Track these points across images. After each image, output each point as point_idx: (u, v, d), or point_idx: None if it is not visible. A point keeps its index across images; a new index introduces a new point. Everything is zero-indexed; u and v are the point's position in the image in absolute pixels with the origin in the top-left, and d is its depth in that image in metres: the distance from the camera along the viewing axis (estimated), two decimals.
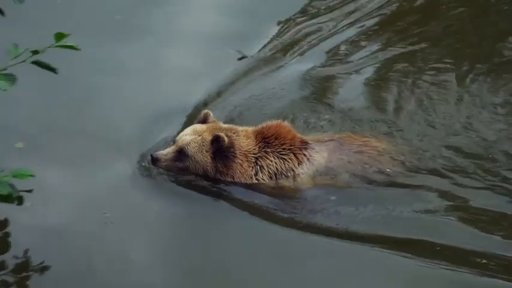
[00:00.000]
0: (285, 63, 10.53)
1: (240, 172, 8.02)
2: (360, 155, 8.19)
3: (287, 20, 11.47)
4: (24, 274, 6.68)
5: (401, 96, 9.65)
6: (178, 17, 11.20)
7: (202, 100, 9.45)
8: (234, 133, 8.09)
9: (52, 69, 5.55)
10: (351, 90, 9.81)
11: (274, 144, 8.11)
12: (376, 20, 11.49)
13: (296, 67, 10.36)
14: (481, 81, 9.81)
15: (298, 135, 8.25)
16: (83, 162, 8.29)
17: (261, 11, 11.50)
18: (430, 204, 7.86)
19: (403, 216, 7.71)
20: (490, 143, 8.70)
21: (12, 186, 5.55)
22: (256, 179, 8.05)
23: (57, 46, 5.50)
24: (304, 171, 8.09)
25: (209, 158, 7.99)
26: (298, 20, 11.49)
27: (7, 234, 7.05)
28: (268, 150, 8.10)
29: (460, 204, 7.90)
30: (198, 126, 8.14)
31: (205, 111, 8.33)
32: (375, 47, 10.82)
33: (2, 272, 6.68)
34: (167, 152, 8.04)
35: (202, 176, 8.08)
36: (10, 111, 8.74)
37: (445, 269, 7.08)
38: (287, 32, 11.21)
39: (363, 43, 10.92)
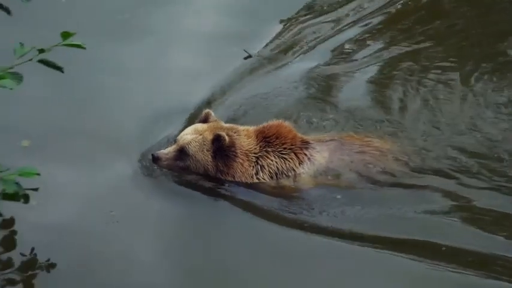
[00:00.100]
0: (289, 62, 10.65)
1: (241, 171, 8.15)
2: (361, 155, 8.30)
3: (290, 19, 11.61)
4: (30, 272, 6.84)
5: (405, 96, 9.75)
6: (179, 17, 11.35)
7: (205, 99, 9.60)
8: (235, 132, 8.22)
9: (58, 68, 5.68)
10: (355, 89, 9.91)
11: (275, 143, 8.22)
12: (380, 18, 11.62)
13: (300, 66, 10.47)
14: (486, 80, 9.90)
15: (299, 134, 8.37)
16: (87, 161, 8.43)
17: (263, 10, 11.64)
18: (434, 205, 7.94)
19: (406, 216, 7.80)
20: (495, 142, 8.77)
21: (18, 184, 5.63)
22: (257, 179, 8.17)
23: (63, 45, 5.60)
24: (305, 171, 8.21)
25: (210, 157, 8.11)
26: (302, 18, 11.63)
27: (13, 233, 7.21)
28: (269, 149, 8.21)
29: (465, 204, 7.98)
30: (199, 126, 8.28)
31: (207, 110, 8.47)
32: (380, 45, 10.94)
33: (9, 270, 6.85)
34: (168, 151, 8.18)
35: (203, 176, 8.21)
36: (14, 110, 8.87)
37: (451, 271, 7.16)
38: (290, 30, 11.34)
39: (367, 42, 11.04)
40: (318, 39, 11.14)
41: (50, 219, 7.49)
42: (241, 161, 8.14)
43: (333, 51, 10.85)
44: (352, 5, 11.91)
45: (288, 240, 7.53)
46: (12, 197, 5.71)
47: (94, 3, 11.27)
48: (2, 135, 8.48)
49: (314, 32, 11.31)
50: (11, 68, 5.53)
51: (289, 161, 8.21)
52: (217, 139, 8.05)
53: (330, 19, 11.64)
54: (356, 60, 10.63)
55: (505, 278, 7.10)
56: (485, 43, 10.80)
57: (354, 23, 11.51)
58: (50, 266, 6.87)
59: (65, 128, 8.91)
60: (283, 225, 7.69)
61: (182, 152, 8.13)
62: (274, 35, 11.18)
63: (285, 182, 8.20)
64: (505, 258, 7.30)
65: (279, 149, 8.22)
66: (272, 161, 8.19)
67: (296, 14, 11.71)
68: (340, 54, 10.79)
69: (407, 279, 7.16)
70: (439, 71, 10.15)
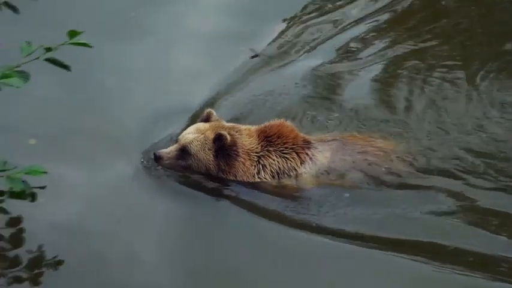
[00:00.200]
0: (293, 61, 10.73)
1: (243, 171, 8.24)
2: (363, 155, 8.38)
3: (294, 18, 11.67)
4: (36, 271, 6.96)
5: (410, 95, 9.80)
6: (181, 17, 11.38)
7: (209, 98, 9.69)
8: (236, 132, 8.32)
9: (65, 67, 5.76)
10: (359, 88, 9.96)
11: (276, 143, 8.32)
12: (385, 17, 11.67)
13: (305, 64, 10.54)
14: (492, 79, 9.95)
15: (301, 134, 8.47)
16: (91, 160, 8.53)
17: (266, 9, 11.70)
18: (438, 205, 8.00)
19: (409, 217, 7.87)
20: (501, 142, 8.83)
21: (25, 183, 5.71)
22: (259, 178, 8.26)
23: (70, 43, 5.68)
24: (306, 171, 8.30)
25: (211, 156, 8.21)
26: (305, 17, 11.70)
27: (20, 231, 7.32)
28: (271, 149, 8.30)
29: (470, 205, 8.03)
30: (201, 125, 8.39)
31: (208, 110, 8.57)
32: (384, 44, 10.99)
33: (16, 268, 6.97)
34: (170, 150, 8.28)
35: (205, 175, 8.30)
36: (19, 109, 8.97)
37: (456, 272, 7.21)
38: (294, 29, 11.40)
39: (372, 40, 11.08)
40: (322, 38, 11.22)
41: (55, 217, 7.60)
42: (243, 160, 8.23)
43: (337, 49, 10.92)
44: (356, 4, 11.97)
45: (290, 240, 7.59)
46: (19, 195, 5.77)
47: (97, 3, 11.32)
48: (8, 135, 8.59)
49: (318, 31, 11.37)
50: (18, 66, 5.58)
51: (290, 161, 8.29)
52: (218, 138, 8.15)
53: (334, 18, 11.71)
54: (361, 58, 10.69)
55: (510, 280, 7.16)
56: (491, 42, 10.86)
57: (359, 21, 11.57)
58: (57, 264, 6.99)
59: (68, 127, 9.00)
60: (284, 225, 7.77)
61: (184, 151, 8.23)
62: (278, 34, 11.24)
63: (287, 181, 8.28)
64: (510, 259, 7.36)
65: (281, 149, 8.30)
66: (274, 160, 8.28)
67: (300, 12, 11.78)
68: (345, 53, 10.86)
69: (409, 280, 7.21)
70: (444, 70, 10.21)
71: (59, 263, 6.99)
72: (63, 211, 7.72)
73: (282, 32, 11.30)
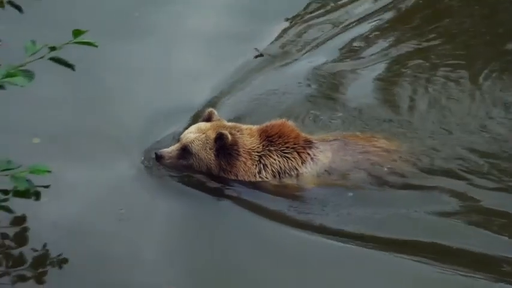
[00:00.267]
0: (296, 60, 10.79)
1: (244, 170, 8.29)
2: (365, 155, 8.43)
3: (296, 17, 11.73)
4: (40, 269, 7.02)
5: (413, 94, 9.84)
6: (183, 16, 11.43)
7: (212, 98, 9.76)
8: (237, 131, 8.37)
9: (70, 66, 5.75)
10: (363, 87, 10.02)
11: (277, 142, 8.36)
12: (388, 16, 11.74)
13: (308, 63, 10.59)
14: (495, 79, 9.99)
15: (303, 134, 8.52)
16: (93, 159, 8.58)
17: (269, 8, 11.78)
18: (440, 206, 8.02)
19: (412, 217, 7.89)
20: (505, 142, 8.85)
21: (29, 181, 5.73)
22: (260, 177, 8.31)
23: (75, 43, 5.71)
24: (307, 171, 8.34)
25: (213, 155, 8.27)
26: (307, 16, 11.76)
27: (25, 229, 7.40)
28: (272, 148, 8.35)
29: (473, 205, 8.05)
30: (202, 125, 8.45)
31: (210, 109, 8.64)
32: (387, 43, 11.06)
33: (21, 267, 7.04)
34: (171, 149, 8.35)
35: (206, 174, 8.35)
36: (22, 108, 9.05)
37: (461, 274, 7.22)
38: (297, 28, 11.46)
39: (375, 40, 11.15)
40: (325, 37, 11.28)
41: (58, 216, 7.66)
42: (244, 159, 8.29)
43: (341, 48, 10.99)
44: (360, 2, 12.07)
45: (290, 239, 7.64)
46: (24, 194, 5.79)
47: (97, 3, 11.38)
48: (12, 134, 8.65)
49: (321, 30, 11.45)
50: (23, 65, 5.61)
51: (291, 160, 8.34)
52: (219, 137, 8.21)
53: (337, 16, 11.79)
54: (364, 57, 10.76)
55: None
56: (494, 42, 10.91)
57: (362, 20, 11.65)
58: (61, 263, 7.04)
59: (70, 126, 9.07)
60: (285, 225, 7.82)
61: (185, 151, 8.30)
62: (280, 33, 11.30)
63: (288, 181, 8.34)
64: None
65: (282, 148, 8.36)
66: (275, 160, 8.33)
67: (302, 11, 11.85)
68: (348, 52, 10.93)
69: (411, 280, 7.24)
70: (447, 70, 10.25)
71: (63, 261, 7.05)
72: (66, 210, 7.79)
73: (285, 31, 11.36)
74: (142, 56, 10.48)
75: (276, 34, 11.26)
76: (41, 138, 8.61)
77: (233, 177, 8.30)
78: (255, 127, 8.48)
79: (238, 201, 8.15)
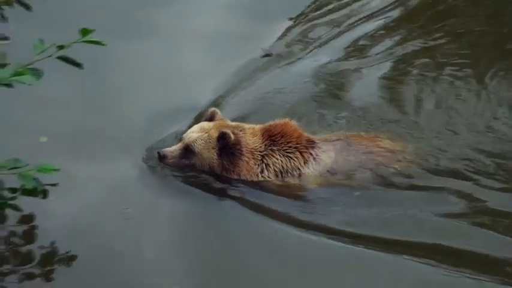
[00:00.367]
0: (300, 59, 10.85)
1: (246, 169, 8.37)
2: (368, 156, 8.50)
3: (302, 16, 11.80)
4: (48, 267, 7.12)
5: (419, 94, 9.88)
6: (189, 16, 11.50)
7: (217, 97, 9.85)
8: (240, 130, 8.46)
9: (78, 65, 5.86)
10: (368, 87, 10.08)
11: (280, 142, 8.45)
12: (393, 15, 11.82)
13: (313, 62, 10.67)
14: (501, 78, 10.05)
15: (305, 134, 8.60)
16: (97, 159, 8.65)
17: (273, 8, 11.84)
18: (445, 207, 8.04)
19: (416, 218, 7.92)
20: (510, 142, 8.88)
21: (37, 180, 5.77)
22: (262, 177, 8.38)
23: (83, 41, 5.79)
24: (310, 171, 8.41)
25: (215, 155, 8.35)
26: (312, 15, 11.85)
27: (33, 227, 7.48)
28: (274, 148, 8.43)
29: (479, 205, 8.06)
30: (205, 124, 8.53)
31: (212, 109, 8.73)
32: (392, 42, 11.14)
33: (28, 265, 7.12)
34: (174, 149, 8.44)
35: (209, 174, 8.43)
36: (28, 107, 9.14)
37: (468, 277, 7.22)
38: (302, 27, 11.54)
39: (381, 38, 11.24)
40: (330, 36, 11.38)
41: (65, 215, 7.76)
42: (246, 159, 8.37)
43: (346, 47, 11.10)
44: (364, 1, 12.15)
45: (293, 239, 7.68)
46: (31, 192, 5.83)
47: (102, 2, 11.45)
48: (19, 132, 8.74)
49: (326, 29, 11.54)
50: (31, 64, 5.66)
51: (294, 160, 8.42)
52: (222, 137, 8.30)
53: (341, 15, 11.88)
54: (369, 56, 10.84)
55: None
56: (499, 42, 10.97)
57: (367, 18, 11.73)
58: (69, 260, 7.14)
59: (73, 125, 9.15)
60: (287, 224, 7.86)
61: (188, 150, 8.38)
62: (285, 32, 11.37)
63: (290, 180, 8.41)
64: None
65: (284, 148, 8.44)
66: (277, 159, 8.41)
67: (307, 10, 11.93)
68: (354, 51, 11.00)
69: (416, 282, 7.25)
70: (453, 69, 10.30)
71: (70, 259, 7.16)
72: (73, 209, 7.88)
73: (290, 31, 11.44)
74: (146, 55, 10.57)
75: (280, 33, 11.36)
76: (48, 137, 8.69)
77: (235, 177, 8.38)
78: (257, 126, 8.56)
79: (240, 200, 8.21)
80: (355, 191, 8.27)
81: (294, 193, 8.32)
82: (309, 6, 12.04)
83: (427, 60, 10.57)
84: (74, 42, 5.79)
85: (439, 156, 8.68)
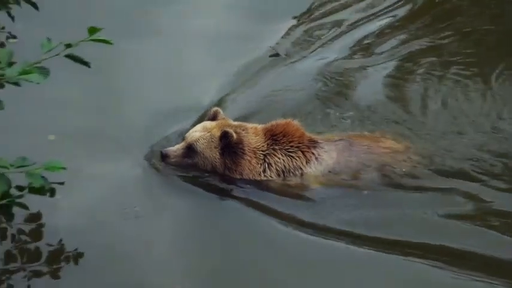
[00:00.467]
0: (305, 57, 10.92)
1: (249, 169, 8.46)
2: (371, 156, 8.57)
3: (305, 15, 11.89)
4: (55, 265, 7.20)
5: (424, 93, 9.92)
6: (192, 16, 11.58)
7: (223, 96, 9.94)
8: (243, 130, 8.56)
9: (85, 63, 5.89)
10: (374, 86, 10.15)
11: (282, 141, 8.54)
12: (399, 14, 11.89)
13: (319, 61, 10.74)
14: (506, 77, 10.07)
15: (308, 133, 8.70)
16: (100, 158, 8.72)
17: (278, 7, 11.92)
18: (451, 207, 8.05)
19: (421, 219, 7.94)
20: None
21: (44, 178, 5.81)
22: (265, 176, 8.47)
23: (90, 40, 5.81)
24: (312, 170, 8.50)
25: (218, 154, 8.45)
26: (316, 14, 11.95)
27: (40, 225, 7.59)
28: (276, 147, 8.52)
29: (484, 206, 8.08)
30: (207, 123, 8.64)
31: (215, 108, 8.84)
32: (397, 41, 11.18)
33: (36, 263, 7.21)
34: (176, 148, 8.56)
35: (211, 173, 8.51)
36: (34, 106, 9.24)
37: (472, 279, 7.21)
38: (307, 26, 11.61)
39: (386, 37, 11.30)
40: (335, 35, 11.47)
41: (72, 213, 7.84)
42: (249, 158, 8.47)
43: (351, 46, 11.16)
44: (369, 0, 12.25)
45: (295, 239, 7.72)
46: (39, 190, 5.85)
47: (105, 2, 11.52)
48: (26, 131, 8.87)
49: (331, 27, 11.64)
50: (38, 62, 5.71)
51: (296, 160, 8.52)
52: (224, 136, 8.41)
53: (346, 14, 11.97)
54: (374, 55, 10.92)
55: None
56: (505, 41, 11.04)
57: (373, 17, 11.81)
58: (77, 257, 7.23)
59: (76, 125, 9.21)
60: (289, 224, 7.90)
61: (190, 149, 8.50)
62: (290, 31, 11.44)
63: (292, 180, 8.49)
64: None
65: (286, 147, 8.53)
66: (279, 159, 8.50)
67: (311, 9, 12.01)
68: (359, 50, 11.13)
69: (421, 285, 7.27)
70: (459, 68, 10.36)
71: (78, 256, 7.25)
72: (80, 207, 7.96)
73: (294, 30, 11.56)
74: (147, 55, 10.66)
75: (285, 33, 11.43)
76: (56, 136, 8.80)
77: (238, 176, 8.48)
78: (260, 126, 8.67)
79: (242, 199, 8.30)
80: (357, 191, 8.35)
81: (295, 193, 8.40)
82: (312, 5, 12.12)
83: (432, 59, 10.66)
84: (82, 41, 5.81)
85: (444, 156, 8.72)
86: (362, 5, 12.10)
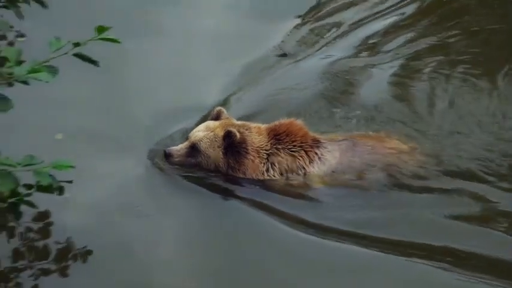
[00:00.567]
0: (313, 57, 10.98)
1: (252, 168, 8.56)
2: (374, 156, 8.64)
3: (310, 14, 11.95)
4: (63, 263, 7.31)
5: (430, 92, 9.95)
6: (197, 16, 11.68)
7: (228, 95, 10.01)
8: (246, 129, 8.67)
9: (93, 62, 5.99)
10: (380, 85, 10.19)
11: (285, 141, 8.64)
12: (406, 12, 11.94)
13: (324, 60, 10.80)
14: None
15: (311, 133, 8.80)
16: (103, 158, 8.80)
17: (283, 6, 11.99)
18: (455, 208, 8.06)
19: (425, 220, 7.97)
20: None
21: (52, 177, 5.87)
22: (268, 176, 8.57)
23: (99, 39, 5.90)
24: (315, 170, 8.57)
25: (221, 153, 8.56)
26: (321, 13, 12.02)
27: (48, 224, 7.69)
28: (279, 147, 8.61)
29: (490, 207, 8.08)
30: (211, 123, 8.75)
31: (218, 108, 8.96)
32: (405, 40, 11.22)
33: (44, 260, 7.32)
34: (180, 147, 8.67)
35: (214, 172, 8.61)
36: (41, 105, 9.31)
37: (477, 280, 7.22)
38: (311, 25, 11.71)
39: (392, 36, 11.36)
40: (341, 33, 11.55)
41: (80, 211, 7.94)
42: (252, 157, 8.58)
43: (357, 45, 11.24)
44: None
45: (297, 239, 7.76)
46: (47, 189, 5.91)
47: (110, 1, 11.65)
48: (33, 130, 8.97)
49: (337, 26, 11.73)
50: (47, 61, 5.76)
51: (299, 159, 8.62)
52: (228, 135, 8.53)
53: (351, 14, 12.01)
54: (380, 54, 10.96)
55: None
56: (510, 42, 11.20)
57: (379, 16, 11.86)
58: (85, 255, 7.34)
59: (79, 125, 9.28)
60: (291, 224, 7.96)
61: (194, 149, 8.63)
62: (294, 31, 11.54)
63: (295, 180, 8.57)
64: None
65: (289, 147, 8.63)
66: (282, 158, 8.60)
67: (318, 8, 12.08)
68: (365, 49, 11.19)
69: (425, 286, 7.28)
70: (465, 67, 10.37)
71: (86, 254, 7.36)
72: (88, 205, 8.05)
73: (299, 29, 11.67)
74: (150, 55, 10.74)
75: (290, 31, 11.49)
76: (64, 134, 8.91)
77: (241, 175, 8.59)
78: (263, 126, 8.79)
79: (245, 199, 8.39)
80: (360, 191, 8.41)
81: (298, 192, 8.48)
82: (315, 4, 12.18)
83: (439, 58, 10.73)
84: (90, 40, 5.91)
85: (450, 156, 8.76)
86: (368, 3, 12.17)
